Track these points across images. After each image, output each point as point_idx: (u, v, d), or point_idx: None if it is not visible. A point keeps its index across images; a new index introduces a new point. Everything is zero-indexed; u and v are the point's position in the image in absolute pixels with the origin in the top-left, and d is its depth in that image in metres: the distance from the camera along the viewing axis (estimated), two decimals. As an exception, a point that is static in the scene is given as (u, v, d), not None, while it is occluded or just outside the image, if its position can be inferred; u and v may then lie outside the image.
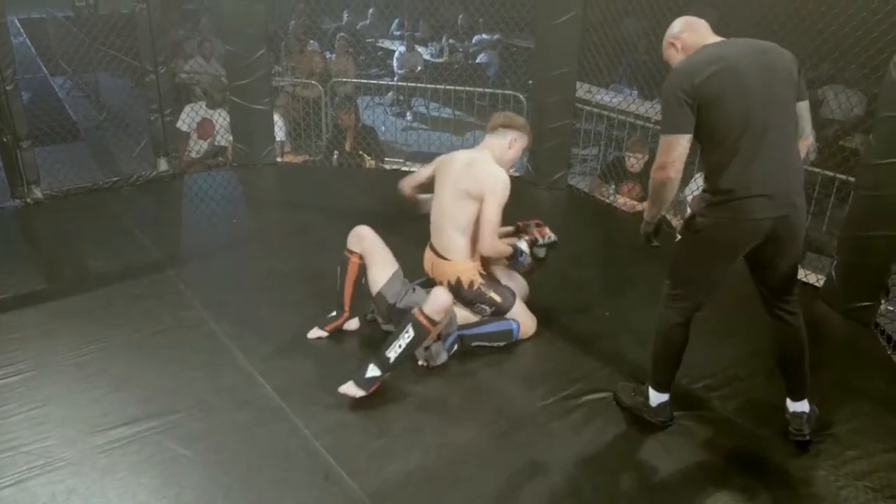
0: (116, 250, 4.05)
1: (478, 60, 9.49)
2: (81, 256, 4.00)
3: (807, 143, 2.60)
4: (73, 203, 4.71)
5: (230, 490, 2.45)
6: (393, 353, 2.89)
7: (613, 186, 5.32)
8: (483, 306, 3.29)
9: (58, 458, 2.55)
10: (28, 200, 4.63)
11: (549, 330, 3.42)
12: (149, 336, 3.27)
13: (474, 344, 3.25)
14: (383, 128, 7.43)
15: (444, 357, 3.14)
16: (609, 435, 2.79)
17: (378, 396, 2.94)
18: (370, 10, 10.62)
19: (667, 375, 2.78)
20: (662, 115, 2.50)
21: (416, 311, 2.94)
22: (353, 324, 3.38)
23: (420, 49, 9.46)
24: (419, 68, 9.11)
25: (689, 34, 2.54)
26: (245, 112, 5.36)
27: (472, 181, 3.18)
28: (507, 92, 6.50)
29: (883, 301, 3.76)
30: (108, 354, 3.13)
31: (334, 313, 3.34)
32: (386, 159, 6.31)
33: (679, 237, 2.57)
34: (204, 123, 6.09)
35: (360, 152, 6.03)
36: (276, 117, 5.82)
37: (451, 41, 9.75)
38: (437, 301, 2.93)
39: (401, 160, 6.38)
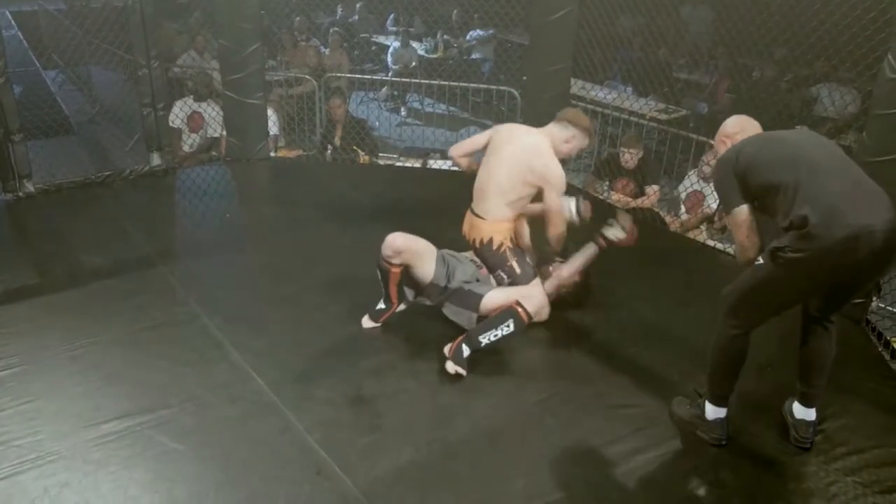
0: (108, 245, 4.03)
1: (472, 56, 9.49)
2: (73, 251, 3.98)
3: None
4: (66, 197, 4.68)
5: (222, 485, 2.45)
6: (486, 340, 3.08)
7: (608, 183, 5.33)
8: (502, 274, 3.40)
9: (50, 452, 2.54)
10: (20, 194, 4.61)
11: (542, 327, 3.42)
12: (141, 331, 3.26)
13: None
14: (377, 123, 7.42)
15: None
16: (601, 431, 2.80)
17: (370, 391, 2.95)
18: (357, 5, 10.58)
19: (725, 388, 2.70)
20: (720, 198, 2.65)
21: (517, 307, 3.09)
22: (401, 306, 3.42)
23: (414, 45, 9.44)
24: (413, 64, 9.10)
25: (741, 135, 2.66)
26: (238, 106, 5.34)
27: (532, 172, 3.29)
28: (501, 88, 6.50)
29: (874, 298, 3.78)
30: (100, 349, 3.12)
31: (383, 306, 3.36)
32: (380, 154, 6.30)
33: (762, 262, 2.51)
34: (193, 116, 6.09)
35: (354, 147, 6.02)
36: (270, 112, 5.81)
37: (445, 37, 9.74)
38: (538, 301, 3.24)
39: (395, 156, 6.38)
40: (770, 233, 2.48)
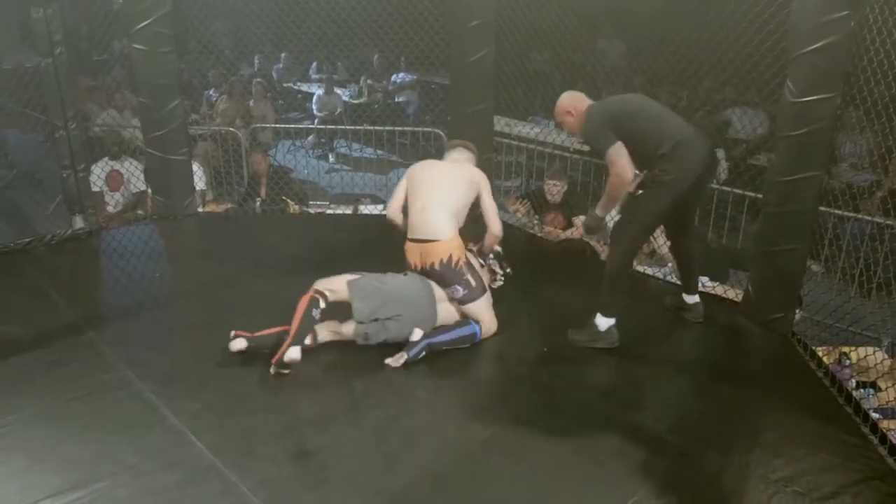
0: (31, 314, 3.85)
1: (397, 99, 9.60)
2: (-7, 324, 3.80)
3: None
4: (-17, 268, 4.48)
5: (164, 557, 2.36)
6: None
7: (537, 217, 5.42)
8: (458, 287, 3.54)
9: (-26, 542, 2.40)
10: (-68, 268, 4.40)
11: (483, 361, 3.44)
12: (68, 402, 3.11)
13: (444, 348, 3.47)
14: (306, 171, 7.40)
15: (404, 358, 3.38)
16: (546, 466, 2.80)
17: (313, 444, 2.89)
18: (283, 55, 10.62)
19: (618, 302, 3.50)
20: (596, 142, 3.40)
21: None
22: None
23: (339, 91, 9.50)
24: (339, 110, 9.14)
25: (579, 104, 3.55)
26: (162, 163, 5.24)
27: (470, 175, 3.69)
28: (427, 129, 6.58)
29: (798, 311, 3.94)
30: (24, 426, 2.96)
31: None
32: (310, 202, 6.28)
33: (641, 192, 3.41)
34: (112, 175, 6.00)
35: (284, 197, 5.99)
36: (196, 166, 5.73)
37: (369, 82, 9.84)
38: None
39: (325, 203, 6.36)
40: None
